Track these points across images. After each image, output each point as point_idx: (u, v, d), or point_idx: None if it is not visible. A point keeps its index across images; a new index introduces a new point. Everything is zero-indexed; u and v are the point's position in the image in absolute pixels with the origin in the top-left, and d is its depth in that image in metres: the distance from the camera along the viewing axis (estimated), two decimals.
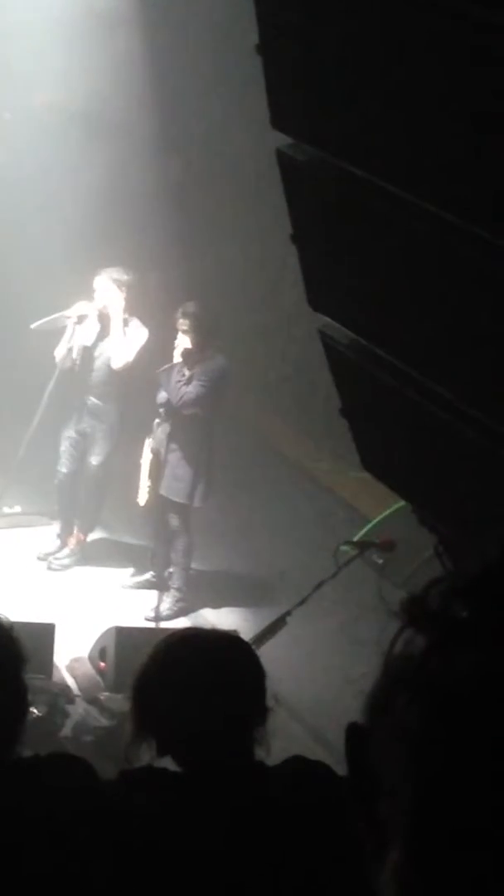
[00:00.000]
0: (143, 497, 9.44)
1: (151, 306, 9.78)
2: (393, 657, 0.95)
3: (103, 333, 9.65)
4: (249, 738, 3.08)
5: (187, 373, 9.22)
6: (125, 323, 9.63)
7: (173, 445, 9.27)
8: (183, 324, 9.18)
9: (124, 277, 9.61)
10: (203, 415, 9.28)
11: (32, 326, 9.66)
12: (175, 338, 9.25)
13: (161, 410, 9.32)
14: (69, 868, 2.68)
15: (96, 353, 9.69)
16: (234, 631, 3.37)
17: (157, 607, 9.20)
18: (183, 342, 9.20)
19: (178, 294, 9.80)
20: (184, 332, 9.18)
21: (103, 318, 9.64)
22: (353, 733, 0.99)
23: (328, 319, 3.97)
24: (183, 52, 11.49)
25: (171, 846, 2.86)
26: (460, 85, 2.68)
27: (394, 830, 0.90)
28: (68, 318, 9.61)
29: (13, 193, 10.89)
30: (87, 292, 9.64)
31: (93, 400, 9.79)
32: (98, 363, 9.69)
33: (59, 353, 9.69)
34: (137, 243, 10.65)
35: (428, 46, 2.73)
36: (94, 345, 9.67)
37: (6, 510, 10.17)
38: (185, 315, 9.19)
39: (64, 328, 9.65)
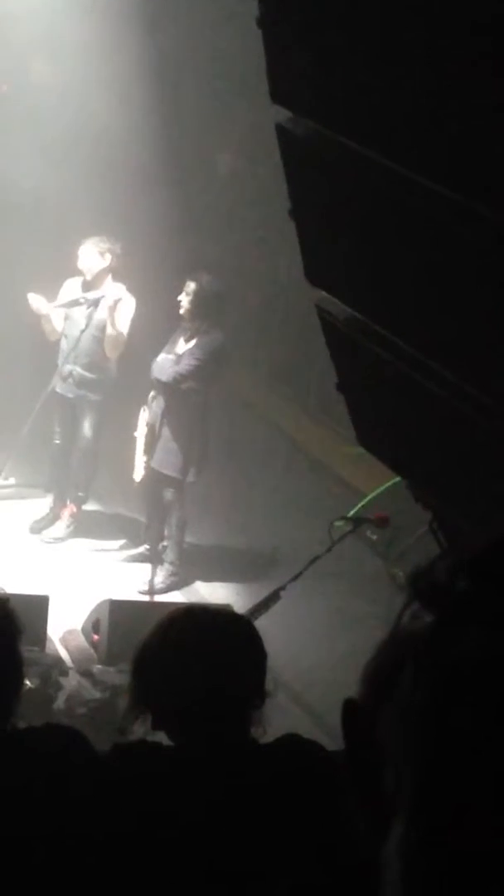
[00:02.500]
0: (138, 473, 9.44)
1: (151, 280, 9.76)
2: (399, 631, 0.95)
3: (81, 299, 9.66)
4: (246, 718, 3.08)
5: (180, 350, 9.22)
6: (111, 289, 9.63)
7: (168, 419, 9.26)
8: (188, 287, 9.19)
9: (107, 245, 9.63)
10: (198, 389, 9.27)
11: (53, 306, 9.68)
12: (178, 307, 9.26)
13: (156, 383, 9.31)
14: (63, 838, 2.69)
15: (87, 325, 9.68)
16: (228, 605, 3.37)
17: (151, 580, 9.21)
18: (183, 306, 9.21)
19: (176, 267, 9.79)
20: (186, 295, 9.18)
21: (87, 286, 9.67)
22: (349, 709, 0.99)
23: (325, 294, 3.96)
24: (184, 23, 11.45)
25: (162, 819, 2.87)
26: (462, 60, 2.67)
27: (398, 804, 0.90)
28: (81, 302, 9.62)
29: (9, 170, 10.85)
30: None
31: (80, 371, 9.78)
32: (84, 334, 9.68)
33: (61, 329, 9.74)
34: (135, 217, 10.61)
35: (428, 22, 2.72)
36: (88, 319, 9.66)
37: (0, 482, 10.17)
38: (191, 281, 9.20)
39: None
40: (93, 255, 9.61)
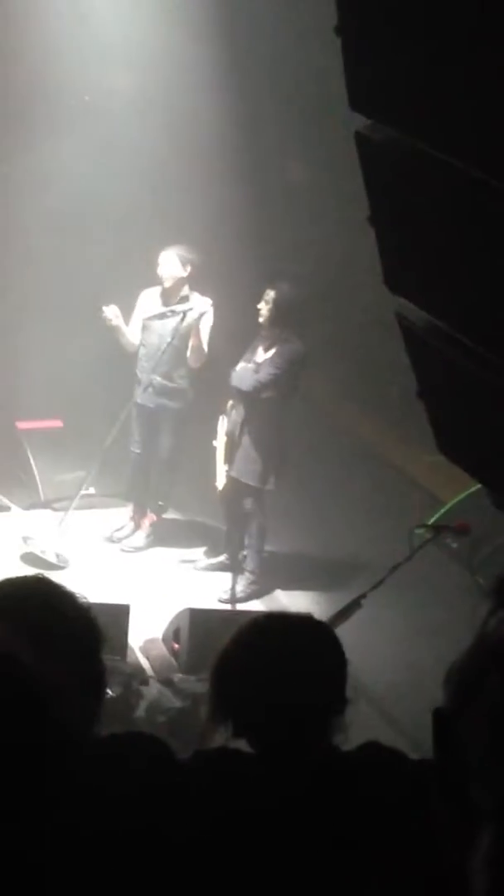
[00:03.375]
0: (220, 481, 9.46)
1: (228, 289, 9.78)
2: (485, 637, 0.94)
3: (168, 312, 9.68)
4: (326, 725, 3.08)
5: (259, 359, 9.22)
6: (186, 298, 9.64)
7: (247, 428, 9.27)
8: (267, 295, 9.20)
9: (189, 255, 9.65)
10: (277, 398, 9.28)
11: (144, 318, 9.74)
12: (257, 315, 9.27)
13: (236, 392, 9.32)
14: (144, 844, 2.69)
15: (162, 333, 9.71)
16: (309, 614, 3.36)
17: (232, 589, 9.22)
18: (263, 315, 9.22)
19: (255, 276, 9.80)
20: (265, 303, 9.19)
21: (165, 295, 9.70)
22: (440, 718, 0.98)
23: (405, 301, 3.94)
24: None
25: (243, 825, 2.87)
26: None
27: (486, 812, 0.89)
28: (173, 312, 9.64)
29: (93, 176, 10.94)
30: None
31: (159, 380, 9.81)
32: (165, 344, 9.70)
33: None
34: (213, 226, 10.64)
35: None
36: (166, 328, 9.69)
37: (81, 492, 10.24)
38: (270, 290, 9.21)
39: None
40: (173, 263, 9.63)
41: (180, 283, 9.68)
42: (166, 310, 9.66)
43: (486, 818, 0.89)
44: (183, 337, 9.62)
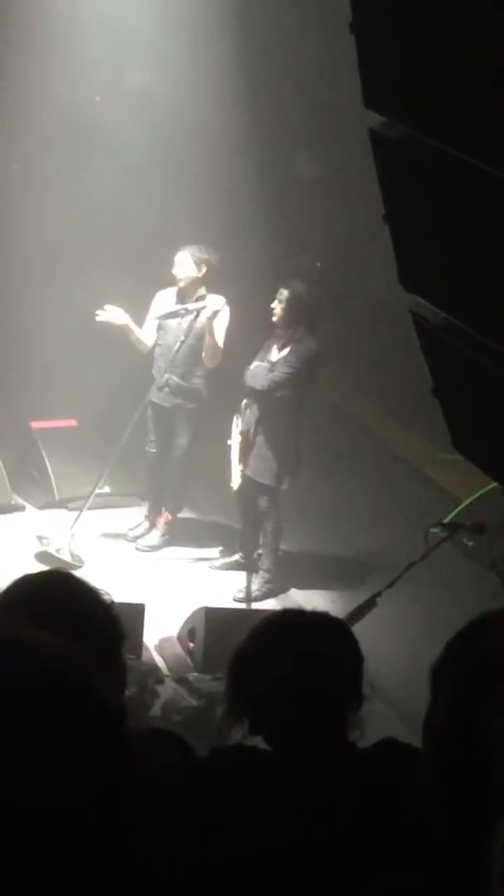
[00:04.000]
0: (235, 481, 9.46)
1: (242, 288, 9.77)
2: None
3: (182, 310, 9.67)
4: (343, 722, 3.08)
5: (273, 358, 9.22)
6: (202, 298, 9.63)
7: (262, 427, 9.27)
8: (280, 294, 9.19)
9: (203, 255, 9.62)
10: (292, 397, 9.28)
11: (156, 317, 9.73)
12: (271, 314, 9.27)
13: (250, 391, 9.32)
14: (162, 840, 2.70)
15: (177, 332, 9.70)
16: (325, 612, 3.36)
17: (247, 588, 9.23)
18: (276, 314, 9.22)
19: (268, 275, 9.80)
20: (279, 302, 9.19)
21: (181, 295, 9.69)
22: (460, 710, 0.99)
23: (420, 299, 3.95)
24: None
25: (260, 824, 2.88)
26: None
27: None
28: (186, 311, 9.62)
29: (106, 175, 10.95)
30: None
31: (176, 380, 9.81)
32: (181, 344, 9.70)
33: (152, 339, 9.76)
34: (226, 225, 10.65)
35: None
36: (181, 327, 9.68)
37: (97, 491, 10.24)
38: (283, 289, 9.21)
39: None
40: (188, 263, 9.61)
41: (195, 283, 9.66)
42: (180, 308, 9.65)
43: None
44: (198, 336, 9.61)
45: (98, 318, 9.59)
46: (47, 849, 1.35)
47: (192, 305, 9.60)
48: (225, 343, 9.60)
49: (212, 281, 9.67)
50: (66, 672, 1.43)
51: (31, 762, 1.34)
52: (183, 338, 9.62)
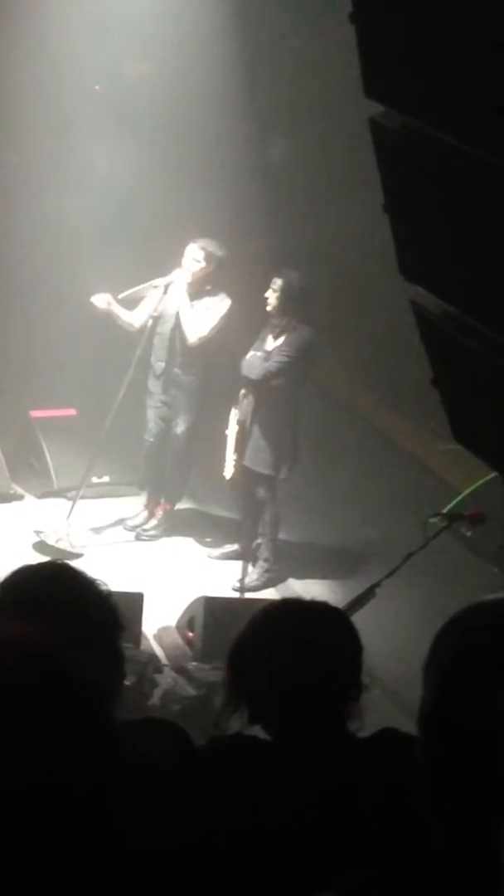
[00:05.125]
0: (228, 470, 9.46)
1: (245, 277, 9.75)
2: None
3: (151, 288, 9.65)
4: (342, 712, 3.08)
5: (269, 347, 9.22)
6: (210, 294, 9.60)
7: (258, 417, 9.27)
8: (275, 283, 9.18)
9: (212, 250, 9.57)
10: (288, 386, 9.28)
11: (121, 296, 9.70)
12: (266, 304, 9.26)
13: (246, 381, 9.31)
14: (161, 830, 2.70)
15: (178, 323, 9.69)
16: (324, 601, 3.36)
17: (244, 578, 9.23)
18: (271, 303, 9.21)
19: (270, 266, 9.78)
20: (273, 292, 9.18)
21: (188, 287, 9.64)
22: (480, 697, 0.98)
23: (420, 289, 3.94)
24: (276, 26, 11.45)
25: (259, 813, 2.88)
26: None
27: None
28: (155, 287, 9.63)
29: (106, 166, 10.94)
30: (178, 263, 9.66)
31: (174, 369, 9.80)
32: (179, 333, 9.69)
33: (139, 320, 9.73)
34: (230, 214, 10.64)
35: None
36: (177, 315, 9.66)
37: (94, 480, 10.23)
38: (277, 278, 9.19)
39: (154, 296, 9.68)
40: (196, 257, 9.55)
41: (203, 278, 9.60)
42: (147, 284, 9.64)
43: None
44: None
45: (93, 302, 9.63)
46: (31, 829, 1.35)
47: (157, 281, 9.57)
48: (219, 332, 9.57)
49: (221, 277, 9.62)
50: (41, 653, 1.43)
51: (8, 743, 1.35)
52: (172, 323, 9.62)
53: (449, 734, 1.41)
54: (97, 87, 11.37)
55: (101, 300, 9.63)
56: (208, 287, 9.60)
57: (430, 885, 1.45)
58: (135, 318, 9.76)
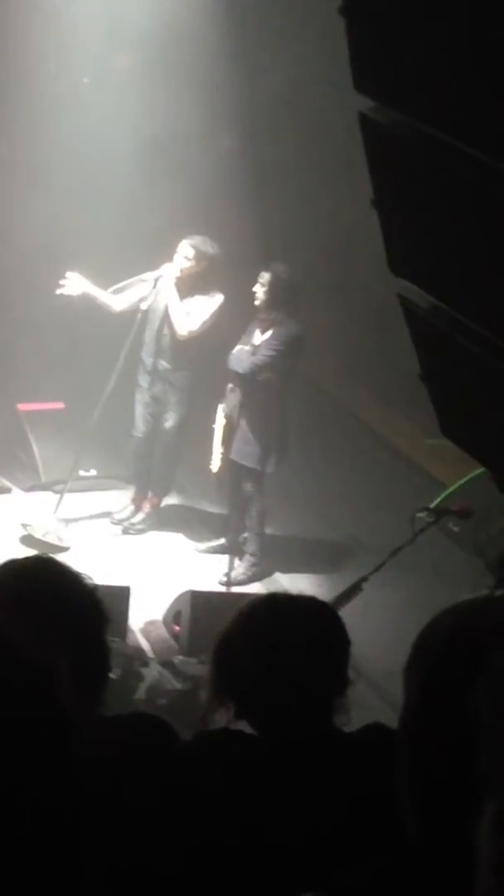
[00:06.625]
0: (215, 464, 9.45)
1: (229, 270, 9.74)
2: (492, 612, 0.95)
3: (178, 298, 9.63)
4: (329, 706, 3.08)
5: (256, 341, 9.22)
6: (202, 291, 9.59)
7: (245, 411, 9.26)
8: (262, 277, 9.17)
9: (206, 249, 9.55)
10: (275, 380, 9.28)
11: (110, 290, 9.68)
12: (253, 299, 9.25)
13: (234, 375, 9.31)
14: (148, 824, 2.70)
15: (167, 318, 9.67)
16: (311, 596, 3.36)
17: (230, 572, 9.23)
18: (258, 297, 9.20)
19: (255, 257, 9.77)
20: (261, 286, 9.17)
21: (178, 284, 9.61)
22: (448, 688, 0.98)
23: (408, 283, 3.94)
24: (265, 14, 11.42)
25: (245, 806, 2.88)
26: None
27: (493, 783, 0.89)
28: (144, 280, 9.62)
29: (94, 157, 10.92)
30: (167, 257, 9.64)
31: (164, 364, 9.80)
32: (168, 328, 9.68)
33: (121, 304, 9.71)
34: (214, 206, 10.62)
35: None
36: (166, 309, 9.65)
37: (82, 473, 10.23)
38: (265, 272, 9.19)
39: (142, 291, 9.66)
40: (187, 255, 9.53)
41: (194, 276, 9.58)
42: (135, 279, 9.63)
43: (493, 789, 0.90)
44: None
45: (58, 292, 9.59)
46: None
47: (147, 275, 9.57)
48: (209, 328, 9.57)
49: (213, 275, 9.61)
50: None
51: None
52: (161, 317, 9.61)
53: (428, 735, 1.41)
54: (85, 80, 11.34)
55: (74, 284, 9.59)
56: (200, 283, 9.59)
57: (414, 880, 1.45)
58: (116, 302, 9.71)
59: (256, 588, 9.13)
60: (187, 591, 8.12)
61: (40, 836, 1.34)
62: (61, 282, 9.59)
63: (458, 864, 1.23)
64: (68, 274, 9.60)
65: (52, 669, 1.46)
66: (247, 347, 9.25)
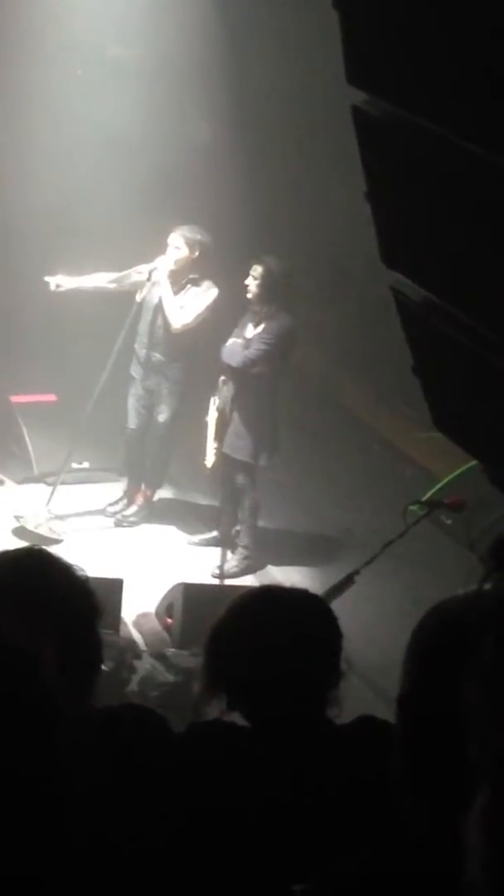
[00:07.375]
0: (209, 458, 9.45)
1: (224, 263, 9.73)
2: (482, 599, 0.95)
3: (171, 290, 9.62)
4: (321, 698, 3.09)
5: (249, 335, 9.21)
6: (195, 283, 9.58)
7: (238, 404, 9.26)
8: (254, 270, 9.16)
9: (196, 237, 9.54)
10: (268, 373, 9.27)
11: (104, 283, 9.68)
12: (246, 292, 9.24)
13: (226, 368, 9.30)
14: (139, 816, 2.70)
15: (161, 310, 9.66)
16: (304, 588, 3.36)
17: (223, 565, 9.23)
18: (251, 291, 9.19)
19: (249, 251, 9.76)
20: (253, 279, 9.16)
21: (172, 276, 9.60)
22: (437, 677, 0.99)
23: (400, 276, 3.94)
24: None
25: (237, 799, 2.88)
26: None
27: (481, 774, 0.90)
28: (139, 273, 9.61)
29: (85, 150, 10.91)
30: (160, 249, 9.62)
31: (157, 356, 9.79)
32: (162, 320, 9.67)
33: (117, 281, 9.73)
34: (208, 199, 10.61)
35: None
36: (160, 301, 9.64)
37: (75, 465, 10.22)
38: (257, 265, 9.17)
39: (137, 283, 9.65)
40: (180, 245, 9.51)
41: (187, 266, 9.56)
42: (129, 271, 9.63)
43: (483, 778, 0.90)
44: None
45: (54, 290, 9.62)
46: None
47: (141, 268, 9.56)
48: (204, 321, 9.56)
49: (207, 264, 9.59)
50: None
51: None
52: (154, 310, 9.61)
53: (423, 721, 1.41)
54: (79, 72, 11.33)
55: (61, 282, 9.65)
56: (194, 275, 9.57)
57: (407, 870, 1.46)
58: (106, 279, 9.74)
59: (249, 581, 9.13)
60: (180, 584, 8.12)
61: (21, 813, 1.34)
62: (48, 281, 9.62)
63: (452, 855, 1.24)
64: (47, 279, 9.62)
65: (37, 654, 1.46)
66: (240, 340, 9.24)
